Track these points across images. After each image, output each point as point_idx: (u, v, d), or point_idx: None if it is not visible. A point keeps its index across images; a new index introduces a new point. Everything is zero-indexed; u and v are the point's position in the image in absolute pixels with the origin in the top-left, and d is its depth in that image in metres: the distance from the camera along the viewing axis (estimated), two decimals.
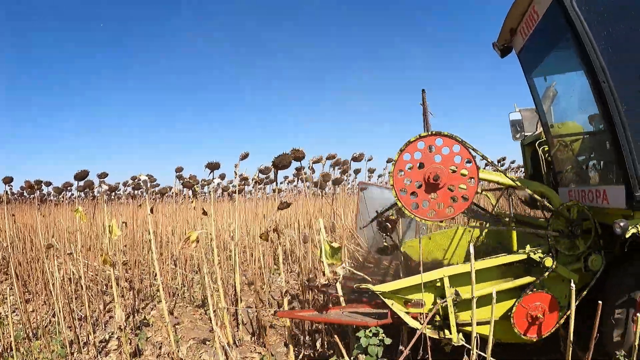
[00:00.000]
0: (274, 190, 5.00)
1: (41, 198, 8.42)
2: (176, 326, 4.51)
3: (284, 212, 7.34)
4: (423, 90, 3.28)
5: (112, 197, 8.47)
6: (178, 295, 5.55)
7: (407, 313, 2.74)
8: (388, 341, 2.69)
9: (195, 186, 4.92)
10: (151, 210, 3.27)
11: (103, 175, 5.07)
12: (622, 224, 2.49)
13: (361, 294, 3.18)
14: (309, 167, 4.63)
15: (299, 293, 4.60)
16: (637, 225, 2.53)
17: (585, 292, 2.78)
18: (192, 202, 5.73)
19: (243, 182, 6.89)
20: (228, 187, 6.97)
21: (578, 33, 2.56)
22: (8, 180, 4.90)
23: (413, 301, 2.75)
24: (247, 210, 8.43)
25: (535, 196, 2.91)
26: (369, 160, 6.03)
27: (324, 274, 3.15)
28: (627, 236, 2.52)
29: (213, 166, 4.19)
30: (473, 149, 2.62)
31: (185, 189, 6.85)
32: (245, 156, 3.80)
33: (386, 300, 2.71)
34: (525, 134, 4.53)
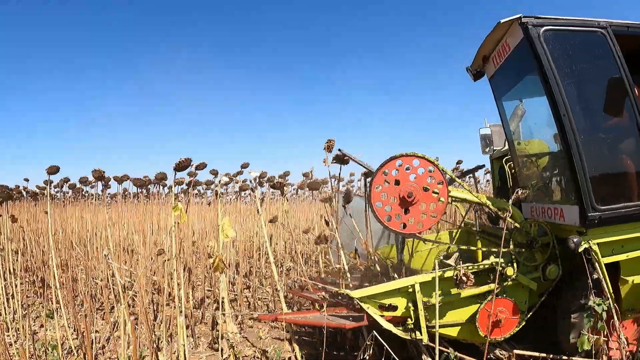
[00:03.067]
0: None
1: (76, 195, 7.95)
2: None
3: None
4: (339, 150, 3.50)
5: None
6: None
7: (382, 316, 2.97)
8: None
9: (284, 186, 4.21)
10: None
11: (201, 166, 4.13)
12: (575, 239, 2.81)
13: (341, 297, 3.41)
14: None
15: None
16: (589, 241, 2.85)
17: (543, 298, 3.08)
18: (282, 203, 5.09)
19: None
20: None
21: (544, 68, 2.82)
22: (53, 171, 4.05)
23: (387, 305, 2.99)
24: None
25: (500, 213, 3.19)
26: None
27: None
28: (579, 250, 2.84)
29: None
30: (445, 171, 2.89)
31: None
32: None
33: (362, 305, 2.92)
34: (495, 148, 4.80)
